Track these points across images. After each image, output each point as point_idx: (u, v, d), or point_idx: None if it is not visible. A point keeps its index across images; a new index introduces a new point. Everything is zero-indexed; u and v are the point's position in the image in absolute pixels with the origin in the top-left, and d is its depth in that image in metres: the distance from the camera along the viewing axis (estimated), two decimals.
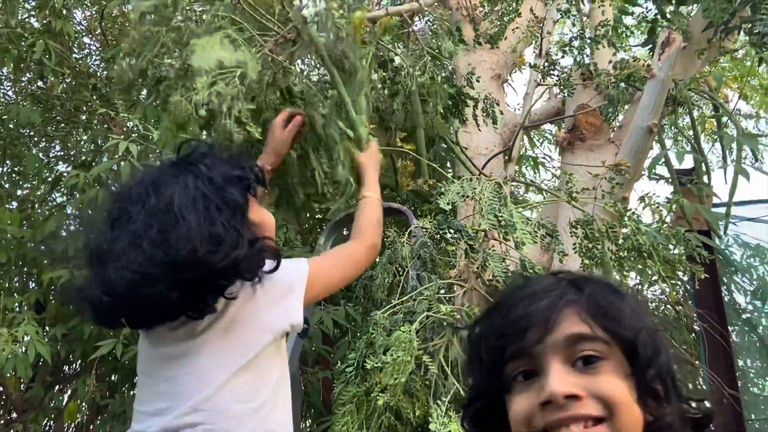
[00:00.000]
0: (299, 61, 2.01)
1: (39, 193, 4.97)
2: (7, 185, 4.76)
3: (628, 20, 4.33)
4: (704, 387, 2.61)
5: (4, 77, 5.19)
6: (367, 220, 1.65)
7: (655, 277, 2.23)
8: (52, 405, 4.19)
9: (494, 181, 1.90)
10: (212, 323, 1.24)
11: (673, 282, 2.31)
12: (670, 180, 3.15)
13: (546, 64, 3.40)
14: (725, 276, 3.56)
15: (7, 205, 4.39)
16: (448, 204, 1.76)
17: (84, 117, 4.92)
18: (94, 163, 4.25)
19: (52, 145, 5.23)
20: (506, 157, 2.90)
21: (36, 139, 5.10)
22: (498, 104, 2.66)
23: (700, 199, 3.05)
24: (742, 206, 3.50)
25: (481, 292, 1.81)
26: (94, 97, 4.63)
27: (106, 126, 4.65)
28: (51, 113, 4.92)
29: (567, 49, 3.52)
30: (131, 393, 3.78)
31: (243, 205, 1.28)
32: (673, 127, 4.70)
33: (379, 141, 1.93)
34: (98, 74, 4.92)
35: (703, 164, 3.19)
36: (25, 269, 4.32)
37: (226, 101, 1.65)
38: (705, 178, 3.15)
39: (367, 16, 1.88)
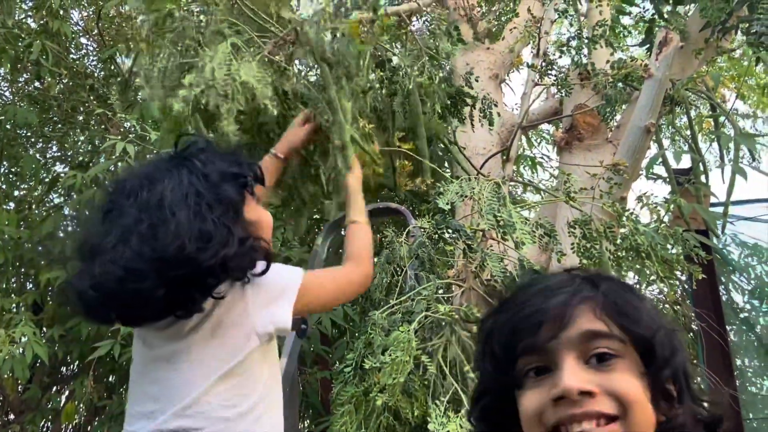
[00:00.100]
0: (297, 63, 2.01)
1: (36, 193, 4.96)
2: (4, 186, 4.76)
3: (626, 20, 4.33)
4: (702, 386, 2.61)
5: (1, 78, 5.19)
6: (364, 248, 1.60)
7: (653, 277, 2.23)
8: (49, 406, 4.18)
9: (493, 181, 1.90)
10: (199, 324, 1.23)
11: (671, 282, 2.31)
12: (668, 180, 3.15)
13: (544, 64, 3.40)
14: (723, 275, 3.56)
15: (4, 206, 4.39)
16: (447, 204, 1.76)
17: (81, 117, 4.91)
18: (91, 164, 4.24)
19: (49, 145, 5.22)
20: (504, 157, 2.90)
21: (33, 139, 5.10)
22: (496, 105, 2.66)
23: (698, 199, 3.06)
24: (739, 205, 3.50)
25: (480, 292, 1.81)
26: (92, 98, 4.62)
27: (103, 126, 4.65)
28: (48, 114, 4.91)
29: (564, 48, 3.53)
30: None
31: (237, 203, 1.26)
32: (670, 127, 4.71)
33: (377, 141, 1.93)
34: (95, 75, 4.91)
35: (700, 164, 3.19)
36: (23, 270, 4.31)
37: (226, 103, 1.65)
38: (702, 178, 3.16)
39: (365, 17, 1.87)
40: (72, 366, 4.46)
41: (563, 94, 3.38)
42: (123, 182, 1.25)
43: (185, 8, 1.97)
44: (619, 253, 1.98)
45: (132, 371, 1.32)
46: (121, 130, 4.54)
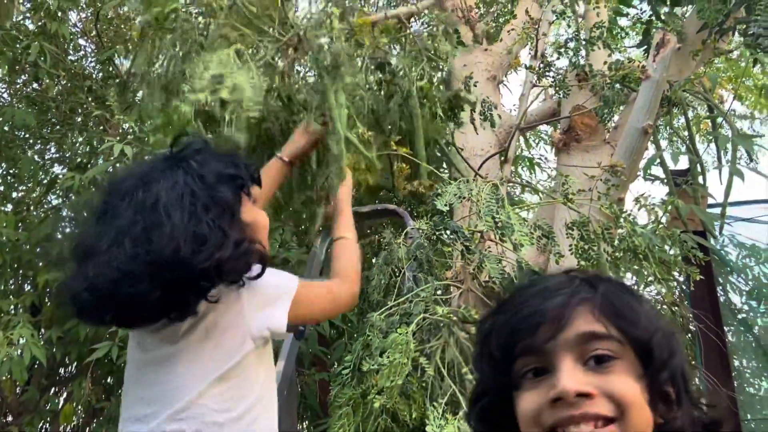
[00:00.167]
0: (298, 67, 2.01)
1: (34, 195, 4.95)
2: (2, 187, 4.75)
3: (623, 21, 4.34)
4: (700, 388, 2.61)
5: None
6: (351, 267, 1.57)
7: (650, 278, 2.23)
8: (47, 408, 4.17)
9: (491, 182, 1.90)
10: (192, 327, 1.22)
11: (669, 283, 2.31)
12: (666, 181, 3.16)
13: (541, 65, 3.41)
14: (721, 276, 3.56)
15: (3, 208, 4.38)
16: (445, 205, 1.76)
17: (79, 119, 4.90)
18: (89, 166, 4.23)
19: (48, 147, 5.20)
20: (502, 158, 2.90)
21: (31, 141, 5.08)
22: (495, 107, 2.66)
23: (696, 200, 3.06)
24: (737, 206, 3.51)
25: (478, 294, 1.81)
26: (90, 99, 4.62)
27: (101, 128, 4.64)
28: (46, 115, 4.90)
29: (562, 50, 3.53)
30: None
31: (233, 205, 1.25)
32: (668, 128, 4.72)
33: (376, 143, 1.93)
34: (93, 76, 4.91)
35: (698, 165, 3.20)
36: (21, 272, 4.30)
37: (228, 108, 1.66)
38: (700, 179, 3.17)
39: (376, 17, 1.88)
40: (70, 368, 4.45)
41: (561, 96, 3.38)
42: (118, 183, 1.25)
43: (184, 9, 1.96)
44: (616, 255, 1.99)
45: (126, 375, 1.32)
46: (120, 131, 4.54)
